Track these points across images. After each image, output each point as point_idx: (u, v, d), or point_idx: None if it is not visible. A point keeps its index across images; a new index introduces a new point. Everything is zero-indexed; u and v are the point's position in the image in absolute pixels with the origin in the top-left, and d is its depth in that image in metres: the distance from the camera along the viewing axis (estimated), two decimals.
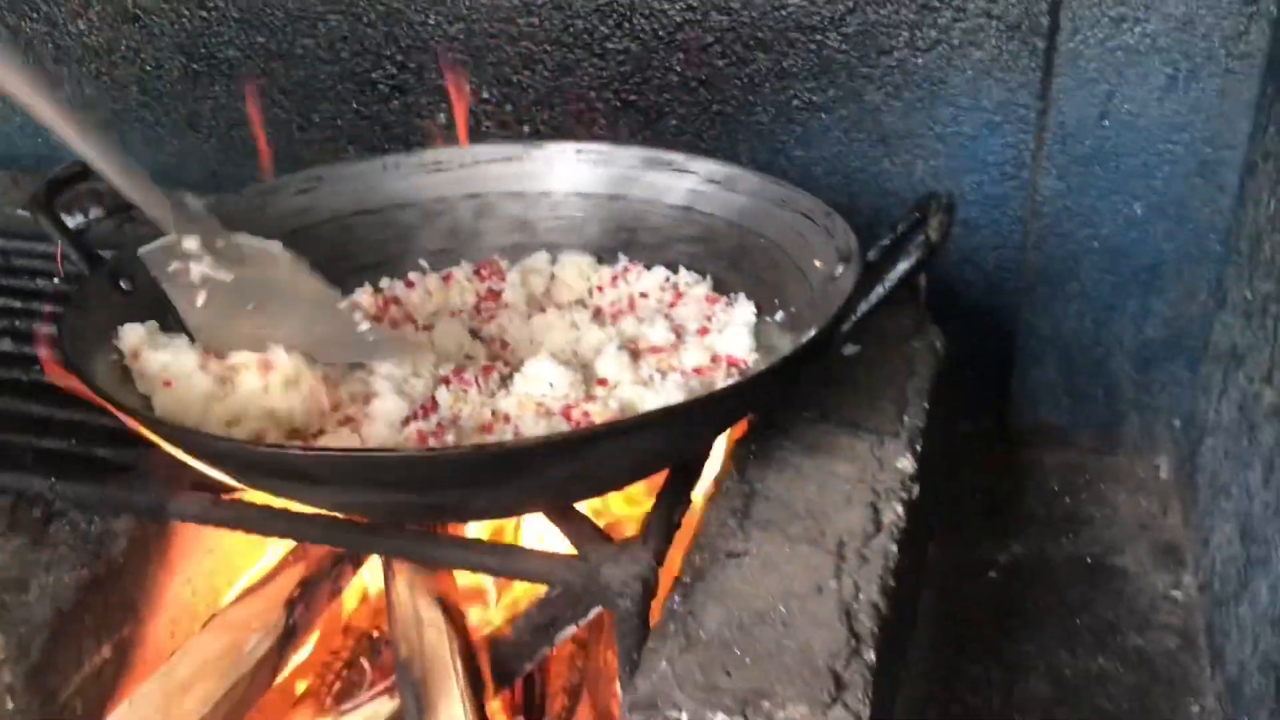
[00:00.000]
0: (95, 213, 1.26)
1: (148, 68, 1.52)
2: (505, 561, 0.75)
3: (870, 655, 0.67)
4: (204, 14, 1.47)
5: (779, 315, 0.90)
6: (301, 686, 0.92)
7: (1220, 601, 1.03)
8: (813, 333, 0.74)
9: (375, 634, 0.95)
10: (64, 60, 1.55)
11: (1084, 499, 1.27)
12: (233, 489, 0.80)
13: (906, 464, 0.83)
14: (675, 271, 1.00)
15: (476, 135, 1.44)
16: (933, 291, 1.20)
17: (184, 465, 0.83)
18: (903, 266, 0.74)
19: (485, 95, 1.41)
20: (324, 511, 0.78)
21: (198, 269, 0.82)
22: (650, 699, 0.64)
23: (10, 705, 0.77)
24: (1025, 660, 1.07)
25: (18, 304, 1.10)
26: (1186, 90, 1.13)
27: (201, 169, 1.57)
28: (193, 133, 1.55)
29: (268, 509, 0.79)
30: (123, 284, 0.88)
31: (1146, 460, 1.32)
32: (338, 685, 0.91)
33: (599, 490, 0.79)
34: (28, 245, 1.23)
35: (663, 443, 0.72)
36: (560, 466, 0.66)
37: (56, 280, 1.14)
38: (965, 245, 1.33)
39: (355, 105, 1.46)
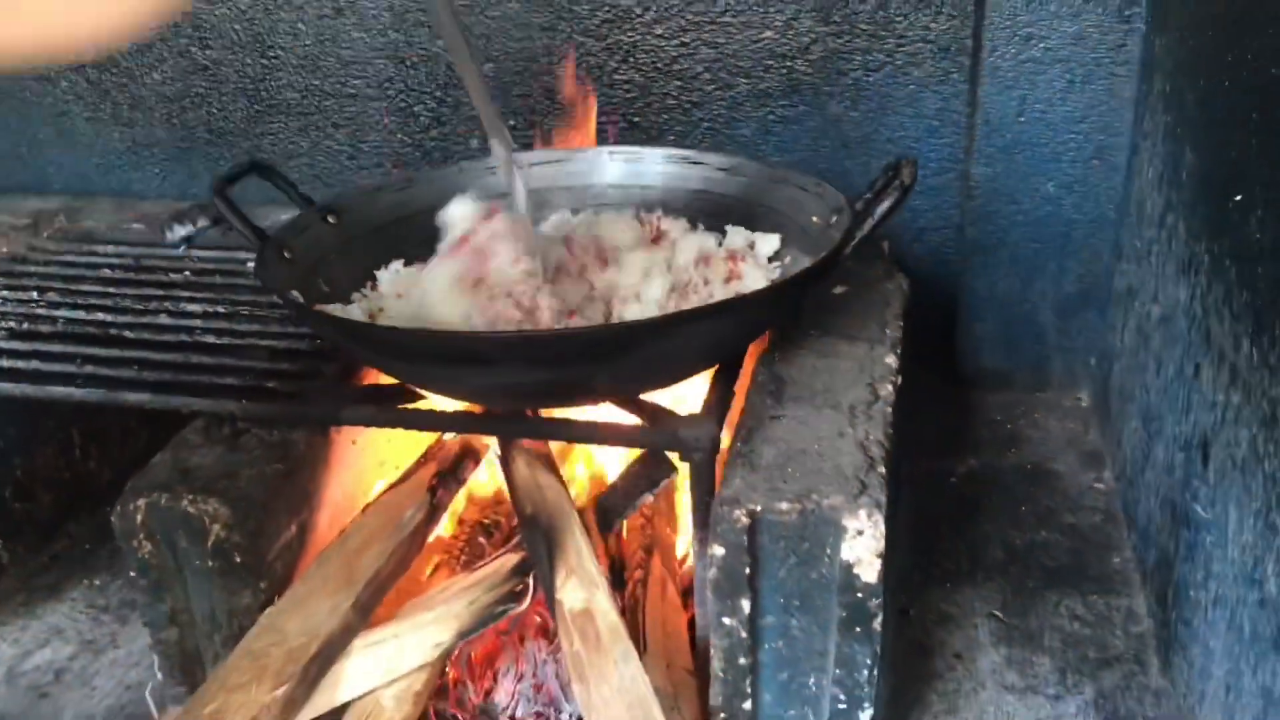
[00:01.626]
0: (202, 223, 1.52)
1: (214, 110, 1.79)
2: (608, 433, 1.02)
3: (881, 469, 0.95)
4: (265, 62, 1.73)
5: (787, 259, 1.18)
6: (432, 564, 1.18)
7: (1130, 479, 1.33)
8: (824, 254, 1.03)
9: (485, 521, 1.21)
10: (139, 107, 1.81)
11: (1022, 425, 1.57)
12: (391, 400, 1.07)
13: (891, 360, 1.12)
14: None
15: None
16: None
17: (344, 388, 1.10)
18: (886, 204, 1.03)
19: (512, 122, 1.69)
20: (462, 409, 1.05)
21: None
22: (734, 498, 0.91)
23: (238, 559, 1.01)
24: (983, 537, 1.35)
25: (160, 292, 1.35)
26: (1083, 91, 1.45)
27: (260, 195, 1.82)
28: None
29: (418, 410, 1.06)
30: (285, 253, 1.13)
31: (1071, 394, 1.62)
32: (463, 559, 1.16)
33: (675, 378, 1.05)
34: (148, 250, 1.47)
35: (731, 328, 1.00)
36: (668, 342, 0.93)
37: (187, 274, 1.39)
38: (914, 226, 1.63)
39: (400, 135, 1.74)
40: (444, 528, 1.19)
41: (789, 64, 1.58)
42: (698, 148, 1.62)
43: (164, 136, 1.82)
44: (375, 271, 1.21)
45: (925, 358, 1.66)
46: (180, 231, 1.51)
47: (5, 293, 1.36)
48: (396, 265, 1.21)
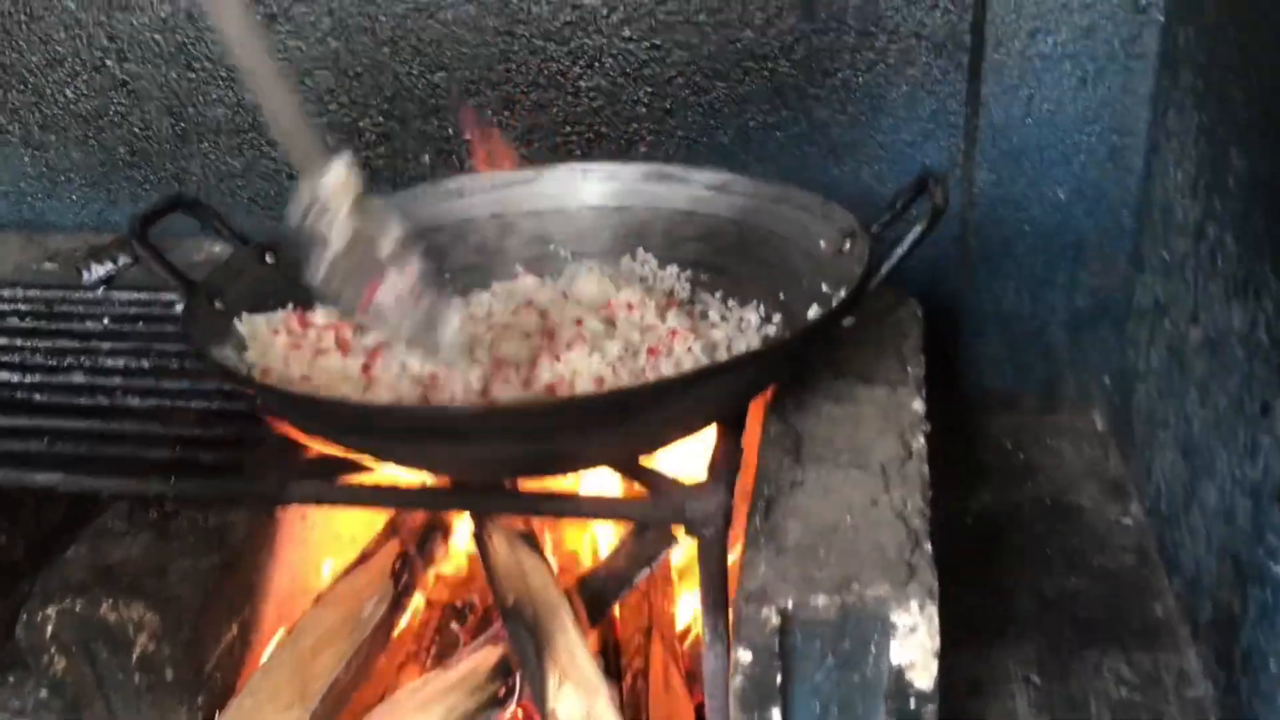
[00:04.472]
0: (124, 260, 1.36)
1: (135, 130, 1.61)
2: (601, 508, 0.88)
3: (928, 546, 0.81)
4: (191, 75, 1.57)
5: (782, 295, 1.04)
6: (398, 657, 1.03)
7: (1169, 517, 1.21)
8: (844, 292, 0.89)
9: (458, 604, 1.06)
10: (50, 128, 1.63)
11: (1035, 452, 1.45)
12: (342, 472, 0.91)
13: (918, 405, 0.98)
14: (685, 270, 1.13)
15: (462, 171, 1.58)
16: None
17: (290, 458, 0.95)
18: (917, 229, 0.90)
19: (467, 136, 1.53)
20: (427, 483, 0.90)
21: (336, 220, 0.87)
22: (760, 592, 0.77)
23: (170, 676, 0.86)
24: (1010, 585, 1.22)
25: (76, 344, 1.18)
26: (1095, 88, 1.33)
27: (189, 222, 1.65)
28: (180, 187, 1.64)
29: (377, 486, 0.90)
30: (217, 304, 0.98)
31: (1084, 415, 1.50)
32: (433, 650, 1.02)
33: (675, 438, 0.91)
34: (62, 294, 1.31)
35: (741, 384, 0.86)
36: (667, 408, 0.79)
37: (106, 321, 1.23)
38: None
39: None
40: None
41: (770, 65, 1.44)
42: (677, 160, 1.49)
43: (80, 158, 1.65)
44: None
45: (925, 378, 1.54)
46: (99, 271, 1.34)
47: None
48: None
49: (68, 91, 1.61)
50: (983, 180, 1.39)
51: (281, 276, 1.06)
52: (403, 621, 1.00)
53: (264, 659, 0.91)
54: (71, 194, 1.67)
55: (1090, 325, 1.46)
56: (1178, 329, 1.19)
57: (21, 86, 1.61)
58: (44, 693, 0.89)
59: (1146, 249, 1.32)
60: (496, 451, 0.81)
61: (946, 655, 1.10)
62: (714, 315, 1.06)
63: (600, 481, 0.97)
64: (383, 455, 0.87)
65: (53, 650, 0.87)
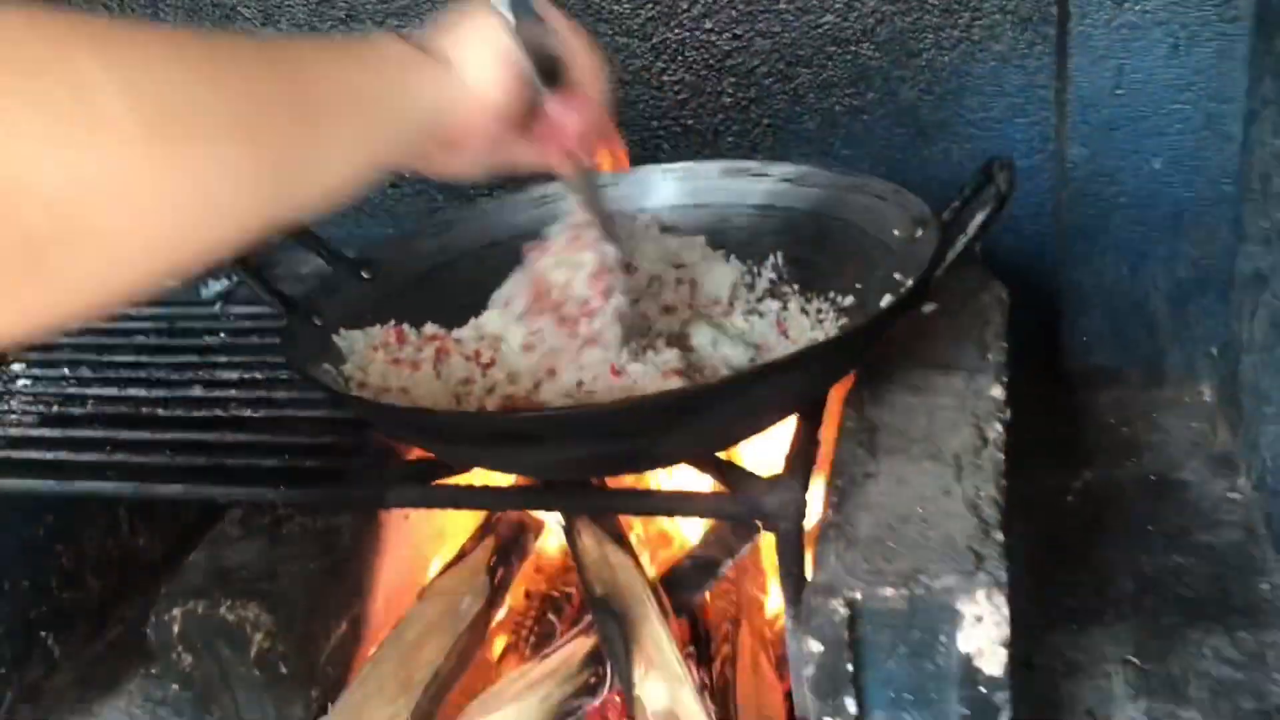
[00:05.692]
0: (236, 277, 1.43)
1: None
2: (680, 504, 0.91)
3: (999, 535, 0.82)
4: None
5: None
6: (499, 646, 1.08)
7: (1276, 492, 1.18)
8: (911, 281, 0.90)
9: (555, 594, 1.10)
10: None
11: (1139, 428, 1.42)
12: (438, 476, 0.96)
13: (998, 392, 0.99)
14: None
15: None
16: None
17: (388, 464, 1.00)
18: (980, 216, 0.90)
19: None
20: (518, 483, 0.94)
21: None
22: (829, 585, 0.79)
23: (284, 670, 0.92)
24: (1109, 564, 1.21)
25: (195, 359, 1.26)
26: (1188, 54, 1.29)
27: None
28: None
29: (471, 487, 0.95)
30: (316, 320, 1.03)
31: (1191, 388, 1.47)
32: (532, 639, 1.06)
33: (752, 432, 0.93)
34: (183, 310, 1.39)
35: (817, 373, 0.88)
36: (742, 401, 0.82)
37: (222, 335, 1.31)
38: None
39: None
40: (511, 602, 1.09)
41: (853, 49, 1.44)
42: (764, 149, 1.51)
43: None
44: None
45: (1026, 356, 1.52)
46: (215, 286, 1.42)
47: (37, 370, 1.29)
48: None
49: None
50: (1075, 155, 1.37)
51: (377, 292, 1.12)
52: (499, 615, 1.05)
53: (372, 652, 0.97)
54: None
55: (1194, 297, 1.42)
56: (1278, 300, 1.16)
57: None
58: (175, 686, 0.97)
59: (1247, 218, 1.29)
60: (573, 453, 0.84)
61: (1044, 635, 1.11)
62: (793, 308, 1.08)
63: (686, 474, 1.00)
64: (468, 460, 0.91)
65: (180, 648, 0.94)
